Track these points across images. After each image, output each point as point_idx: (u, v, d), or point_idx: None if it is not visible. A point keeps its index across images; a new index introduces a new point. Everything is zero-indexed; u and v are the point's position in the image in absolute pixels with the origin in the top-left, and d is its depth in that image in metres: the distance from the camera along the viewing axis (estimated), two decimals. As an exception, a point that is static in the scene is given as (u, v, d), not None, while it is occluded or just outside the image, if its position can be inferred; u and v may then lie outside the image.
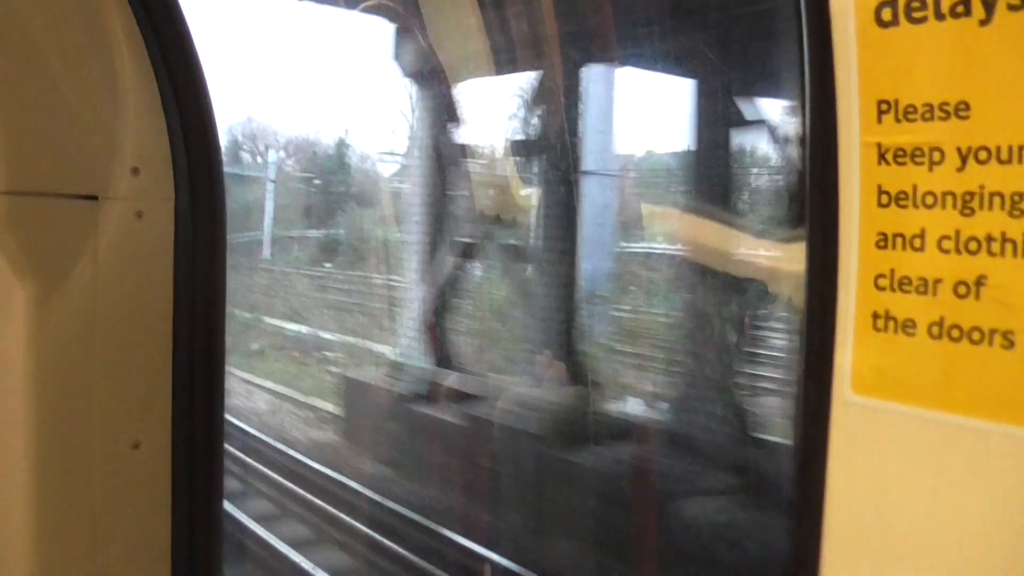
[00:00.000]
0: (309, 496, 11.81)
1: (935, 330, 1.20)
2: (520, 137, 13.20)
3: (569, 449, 10.69)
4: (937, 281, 1.19)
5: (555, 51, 11.88)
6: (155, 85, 1.55)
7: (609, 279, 14.13)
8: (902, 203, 1.22)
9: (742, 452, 10.16)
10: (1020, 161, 1.12)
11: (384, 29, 14.41)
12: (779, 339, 12.46)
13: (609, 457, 10.55)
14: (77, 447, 1.54)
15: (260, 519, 11.23)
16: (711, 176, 11.21)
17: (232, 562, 10.27)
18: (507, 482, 11.09)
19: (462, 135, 14.14)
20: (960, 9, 1.14)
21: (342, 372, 16.86)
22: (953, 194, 1.18)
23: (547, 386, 12.06)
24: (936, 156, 1.19)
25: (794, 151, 10.98)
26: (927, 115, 1.19)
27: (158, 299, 1.58)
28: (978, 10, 1.13)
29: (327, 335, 22.33)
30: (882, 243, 1.24)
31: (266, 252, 32.17)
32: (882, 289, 1.24)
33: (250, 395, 17.90)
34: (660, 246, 16.67)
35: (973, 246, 1.16)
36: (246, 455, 13.25)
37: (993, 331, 1.14)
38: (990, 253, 1.14)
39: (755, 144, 12.45)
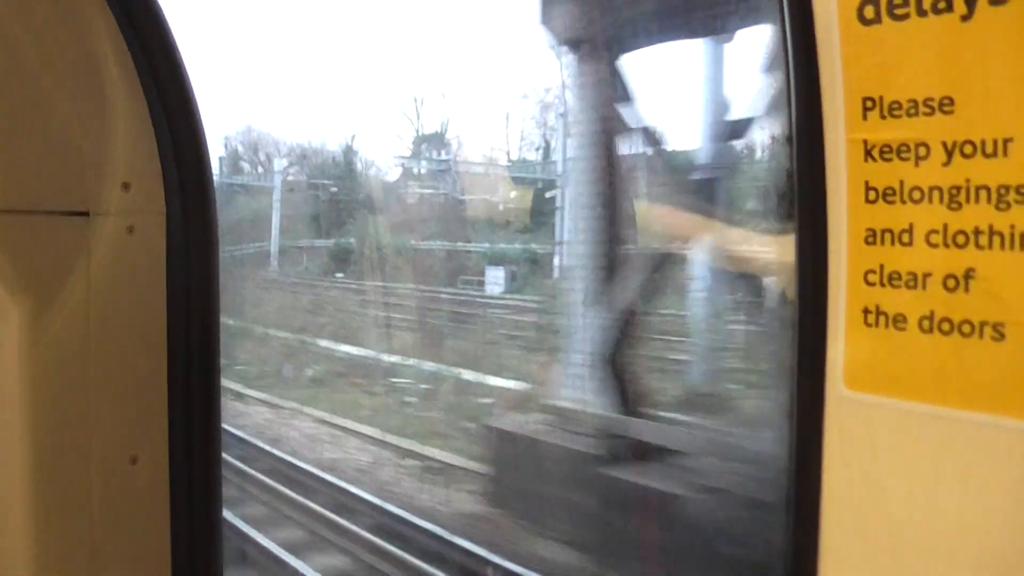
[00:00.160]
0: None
1: (926, 324, 1.20)
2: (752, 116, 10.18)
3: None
4: (926, 275, 1.20)
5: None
6: (143, 99, 1.56)
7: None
8: (889, 199, 1.23)
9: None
10: (1005, 154, 1.12)
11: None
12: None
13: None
14: (75, 463, 1.55)
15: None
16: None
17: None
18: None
19: (646, 117, 10.89)
20: (942, 5, 1.15)
21: (486, 421, 13.58)
22: (940, 188, 1.18)
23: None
24: (922, 151, 1.20)
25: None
26: (912, 111, 1.20)
27: (152, 314, 1.59)
28: (960, 6, 1.13)
29: (393, 359, 19.95)
30: (871, 239, 1.25)
31: (304, 263, 31.54)
32: (872, 285, 1.25)
33: (337, 441, 15.50)
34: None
35: (961, 239, 1.16)
36: (372, 533, 10.34)
37: (983, 323, 1.15)
38: (978, 246, 1.15)
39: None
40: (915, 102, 1.19)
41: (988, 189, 1.14)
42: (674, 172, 11.55)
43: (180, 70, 1.58)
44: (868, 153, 1.24)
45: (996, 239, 1.13)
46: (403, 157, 34.58)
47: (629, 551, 8.89)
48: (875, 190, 1.24)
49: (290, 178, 33.79)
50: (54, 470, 1.53)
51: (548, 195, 27.52)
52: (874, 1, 1.21)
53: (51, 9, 1.50)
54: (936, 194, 1.19)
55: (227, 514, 9.81)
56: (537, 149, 33.20)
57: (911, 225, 1.21)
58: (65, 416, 1.54)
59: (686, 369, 12.61)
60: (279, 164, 34.57)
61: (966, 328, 1.16)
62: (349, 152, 34.13)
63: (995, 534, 1.14)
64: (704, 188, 10.83)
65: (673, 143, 11.23)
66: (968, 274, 1.16)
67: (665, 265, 10.95)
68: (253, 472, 12.88)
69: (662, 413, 10.16)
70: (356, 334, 22.42)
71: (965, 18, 1.13)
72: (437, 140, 34.42)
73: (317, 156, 35.52)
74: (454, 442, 14.53)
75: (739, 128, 10.65)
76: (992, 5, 1.11)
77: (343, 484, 12.21)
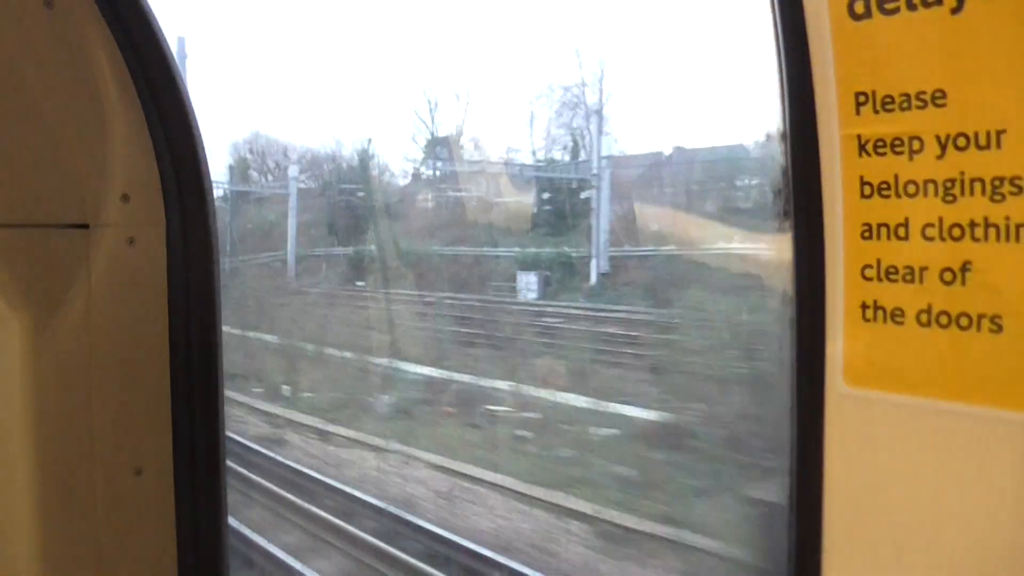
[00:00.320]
0: None
1: (923, 317, 1.19)
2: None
3: None
4: (923, 269, 1.19)
5: None
6: (141, 112, 1.57)
7: None
8: (884, 193, 1.22)
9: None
10: (999, 146, 1.12)
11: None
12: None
13: None
14: (80, 475, 1.56)
15: None
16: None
17: None
18: None
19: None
20: None
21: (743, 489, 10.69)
22: (934, 182, 1.18)
23: None
24: (916, 145, 1.19)
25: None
26: (904, 105, 1.19)
27: (153, 325, 1.60)
28: None
29: (469, 379, 17.20)
30: (867, 234, 1.24)
31: (323, 272, 30.01)
32: (869, 279, 1.24)
33: (476, 498, 12.24)
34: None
35: (957, 232, 1.16)
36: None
37: (981, 316, 1.14)
38: (974, 238, 1.14)
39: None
40: (908, 96, 1.19)
41: (982, 181, 1.13)
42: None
43: (177, 83, 1.59)
44: (862, 148, 1.24)
45: (992, 231, 1.13)
46: (419, 160, 34.25)
47: None
48: (870, 185, 1.24)
49: (302, 186, 33.44)
50: (59, 482, 1.54)
51: (583, 196, 26.27)
52: None
53: (48, 25, 1.51)
54: (931, 187, 1.18)
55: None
56: (563, 148, 32.46)
57: (907, 219, 1.21)
58: (68, 428, 1.55)
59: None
60: (293, 170, 34.25)
61: (964, 321, 1.16)
62: (365, 156, 33.77)
63: (995, 525, 1.14)
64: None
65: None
66: (965, 267, 1.15)
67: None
68: (416, 563, 9.97)
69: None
70: (414, 350, 19.88)
71: (955, 11, 1.13)
72: (453, 142, 34.05)
73: (331, 161, 35.27)
74: (608, 492, 11.75)
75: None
76: None
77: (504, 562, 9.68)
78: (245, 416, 17.14)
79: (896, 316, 1.22)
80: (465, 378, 17.26)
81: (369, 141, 33.73)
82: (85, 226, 1.56)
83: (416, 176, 33.79)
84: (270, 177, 35.73)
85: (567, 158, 30.69)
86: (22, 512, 1.53)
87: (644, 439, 12.97)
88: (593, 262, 23.91)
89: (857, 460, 1.26)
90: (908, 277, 1.21)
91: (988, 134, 1.12)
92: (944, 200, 1.17)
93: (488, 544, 10.41)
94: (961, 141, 1.15)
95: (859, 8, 1.21)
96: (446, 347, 19.74)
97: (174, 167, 1.60)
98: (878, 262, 1.24)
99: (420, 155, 34.61)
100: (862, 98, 1.23)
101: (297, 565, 9.92)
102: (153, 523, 1.61)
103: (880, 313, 1.24)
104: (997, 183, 1.12)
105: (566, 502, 11.49)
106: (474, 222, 28.59)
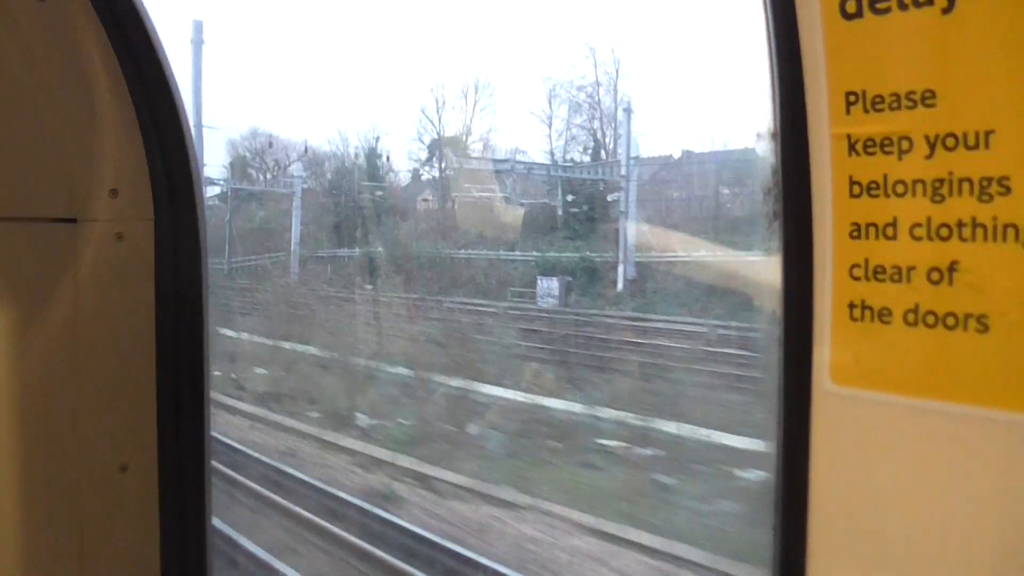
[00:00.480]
0: None
1: (911, 317, 1.19)
2: None
3: None
4: (911, 268, 1.19)
5: None
6: (131, 107, 1.57)
7: None
8: (873, 193, 1.22)
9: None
10: (987, 146, 1.12)
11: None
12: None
13: None
14: (64, 471, 1.55)
15: None
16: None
17: None
18: None
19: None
20: None
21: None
22: (923, 182, 1.18)
23: None
24: (905, 145, 1.19)
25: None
26: (894, 104, 1.20)
27: (140, 321, 1.59)
28: None
29: (560, 404, 14.60)
30: (855, 233, 1.24)
31: (328, 274, 28.67)
32: (857, 279, 1.24)
33: None
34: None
35: (944, 232, 1.16)
36: None
37: (968, 316, 1.14)
38: (961, 238, 1.14)
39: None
40: (897, 96, 1.19)
41: (971, 181, 1.13)
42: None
43: (167, 78, 1.59)
44: (852, 147, 1.24)
45: (979, 231, 1.13)
46: (426, 160, 33.96)
47: None
48: (859, 184, 1.24)
49: (305, 186, 32.97)
50: (43, 477, 1.54)
51: (610, 198, 25.37)
52: None
53: (39, 19, 1.51)
54: (919, 187, 1.18)
55: None
56: (585, 149, 31.59)
57: (895, 219, 1.21)
58: (53, 424, 1.54)
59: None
60: (296, 168, 33.73)
61: (950, 321, 1.16)
62: (372, 155, 33.30)
63: (983, 525, 1.14)
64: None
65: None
66: (952, 267, 1.16)
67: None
68: None
69: None
70: (476, 367, 17.55)
71: (946, 11, 1.13)
72: (463, 141, 33.63)
73: (337, 159, 34.85)
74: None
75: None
76: None
77: None
78: (323, 454, 13.96)
79: (883, 316, 1.22)
80: (551, 403, 14.85)
81: (377, 139, 33.25)
82: (73, 220, 1.55)
83: (429, 176, 33.25)
84: (269, 176, 35.08)
85: (587, 158, 30.06)
86: (5, 506, 1.52)
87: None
88: (620, 267, 22.93)
89: (843, 459, 1.26)
90: (896, 277, 1.21)
91: (977, 134, 1.12)
92: (932, 200, 1.17)
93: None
94: (950, 141, 1.15)
95: (851, 7, 1.22)
96: (512, 364, 17.55)
97: (164, 163, 1.59)
98: (866, 262, 1.24)
99: (428, 154, 34.21)
100: (852, 97, 1.23)
101: None
102: (137, 519, 1.61)
103: (868, 312, 1.24)
104: (985, 183, 1.12)
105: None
106: (491, 223, 27.30)
